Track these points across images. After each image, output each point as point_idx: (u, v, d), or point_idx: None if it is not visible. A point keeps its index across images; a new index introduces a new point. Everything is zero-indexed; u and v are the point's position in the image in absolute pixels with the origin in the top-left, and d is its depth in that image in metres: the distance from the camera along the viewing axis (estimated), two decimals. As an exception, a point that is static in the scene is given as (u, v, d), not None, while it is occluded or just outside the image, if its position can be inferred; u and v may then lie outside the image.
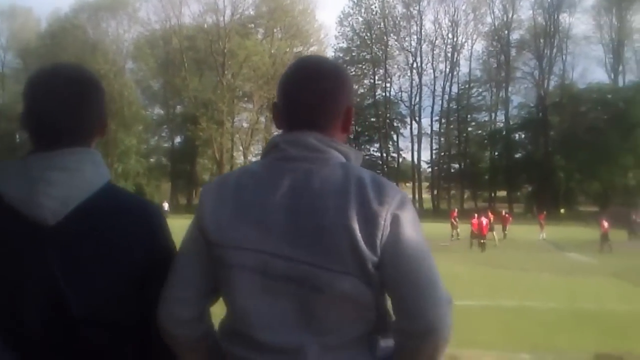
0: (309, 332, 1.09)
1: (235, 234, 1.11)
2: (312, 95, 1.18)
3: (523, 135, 58.77)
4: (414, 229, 1.12)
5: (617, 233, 26.23)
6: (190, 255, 1.18)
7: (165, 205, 35.67)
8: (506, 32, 56.32)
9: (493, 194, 58.00)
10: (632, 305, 11.38)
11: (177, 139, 57.18)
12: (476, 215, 24.87)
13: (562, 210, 28.06)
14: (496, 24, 56.71)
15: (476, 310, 10.51)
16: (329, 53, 54.95)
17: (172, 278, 1.17)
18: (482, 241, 22.74)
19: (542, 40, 54.85)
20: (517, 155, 57.64)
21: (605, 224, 23.59)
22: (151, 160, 54.89)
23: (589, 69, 67.44)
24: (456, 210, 31.40)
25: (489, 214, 26.37)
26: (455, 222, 26.94)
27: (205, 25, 51.52)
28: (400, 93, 58.43)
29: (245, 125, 53.39)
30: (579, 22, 72.53)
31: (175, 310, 1.15)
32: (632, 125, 46.55)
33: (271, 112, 1.30)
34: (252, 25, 54.51)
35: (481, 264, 18.13)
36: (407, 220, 1.11)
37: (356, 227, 1.07)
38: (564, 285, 14.11)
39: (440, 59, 57.08)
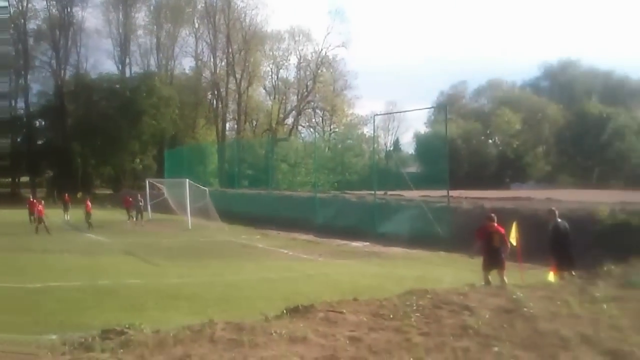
0: None
1: None
2: None
3: (44, 122, 60.80)
4: None
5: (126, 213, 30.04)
6: None
7: None
8: (23, 21, 56.97)
9: (17, 180, 59.65)
10: (143, 279, 12.99)
11: None
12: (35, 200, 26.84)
13: (79, 194, 30.46)
14: (12, 12, 55.96)
15: (1, 294, 10.52)
16: None
17: None
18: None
19: (57, 32, 57.49)
20: (39, 142, 59.52)
21: (89, 204, 27.55)
22: None
23: (100, 60, 72.56)
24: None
25: None
26: None
27: None
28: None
29: None
30: (91, 17, 73.61)
31: None
32: (138, 113, 52.49)
33: None
34: None
35: (4, 249, 17.89)
36: None
37: None
38: (85, 265, 15.21)
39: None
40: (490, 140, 71.97)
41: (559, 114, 69.76)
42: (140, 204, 29.02)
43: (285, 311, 4.69)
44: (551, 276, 9.44)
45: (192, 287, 11.86)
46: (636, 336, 4.32)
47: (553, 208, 11.36)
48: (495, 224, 10.63)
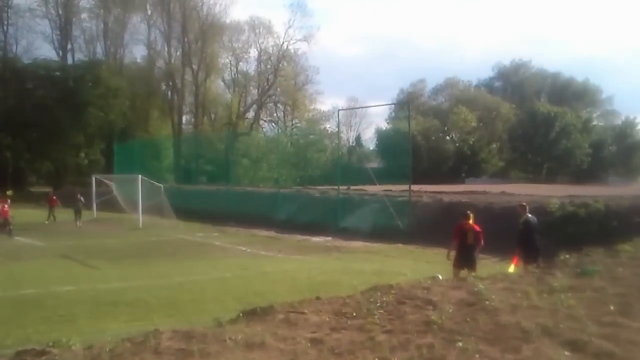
0: None
1: None
2: None
3: None
4: None
5: (70, 213, 27.04)
6: None
7: None
8: None
9: None
10: (78, 284, 11.80)
11: None
12: None
13: (9, 192, 27.68)
14: None
15: None
16: None
17: None
18: None
19: None
20: None
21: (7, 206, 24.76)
22: None
23: (34, 44, 59.81)
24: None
25: None
26: None
27: None
28: None
29: None
30: (21, -8, 69.58)
31: None
32: (82, 104, 47.66)
33: None
34: None
35: None
36: None
37: None
38: (7, 272, 13.66)
39: None
40: (447, 137, 73.75)
41: (511, 112, 72.37)
42: (81, 202, 26.50)
43: (241, 314, 4.40)
44: (512, 268, 9.60)
45: (136, 291, 10.90)
46: (592, 325, 4.38)
47: (524, 203, 11.66)
48: (471, 221, 10.39)
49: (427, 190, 25.36)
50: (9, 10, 50.93)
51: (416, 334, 4.02)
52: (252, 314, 4.51)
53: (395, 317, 4.40)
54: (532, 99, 75.81)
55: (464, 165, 68.91)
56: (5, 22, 51.29)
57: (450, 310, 4.56)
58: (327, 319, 4.30)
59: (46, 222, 26.49)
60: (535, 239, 10.58)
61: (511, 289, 5.40)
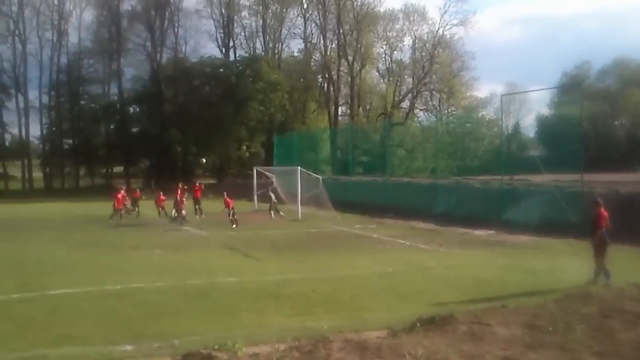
0: None
1: None
2: None
3: (138, 109, 57.91)
4: None
5: (242, 204, 27.04)
6: None
7: None
8: (116, 2, 54.74)
9: (110, 170, 57.93)
10: (240, 276, 11.85)
11: None
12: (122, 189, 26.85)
13: (180, 184, 29.19)
14: (106, -7, 54.44)
15: (75, 299, 9.61)
16: None
17: None
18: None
19: (153, 12, 54.23)
20: (134, 130, 56.95)
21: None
22: None
23: (200, 43, 65.13)
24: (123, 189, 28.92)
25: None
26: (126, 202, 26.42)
27: None
28: (1, 62, 52.87)
29: None
30: (190, -4, 67.34)
31: None
32: (244, 99, 48.92)
33: None
34: None
35: (90, 245, 17.09)
36: None
37: None
38: (175, 262, 14.06)
39: (46, 27, 54.11)
40: (617, 122, 65.03)
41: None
42: (272, 198, 25.71)
43: (418, 324, 4.09)
44: None
45: (296, 284, 10.87)
46: None
47: None
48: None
49: (600, 180, 22.44)
50: (178, 14, 55.63)
51: (635, 360, 3.39)
52: (430, 323, 4.18)
53: (601, 334, 3.78)
54: None
55: (637, 153, 60.10)
56: (176, 25, 55.04)
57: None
58: (519, 333, 3.84)
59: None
60: None
61: None
